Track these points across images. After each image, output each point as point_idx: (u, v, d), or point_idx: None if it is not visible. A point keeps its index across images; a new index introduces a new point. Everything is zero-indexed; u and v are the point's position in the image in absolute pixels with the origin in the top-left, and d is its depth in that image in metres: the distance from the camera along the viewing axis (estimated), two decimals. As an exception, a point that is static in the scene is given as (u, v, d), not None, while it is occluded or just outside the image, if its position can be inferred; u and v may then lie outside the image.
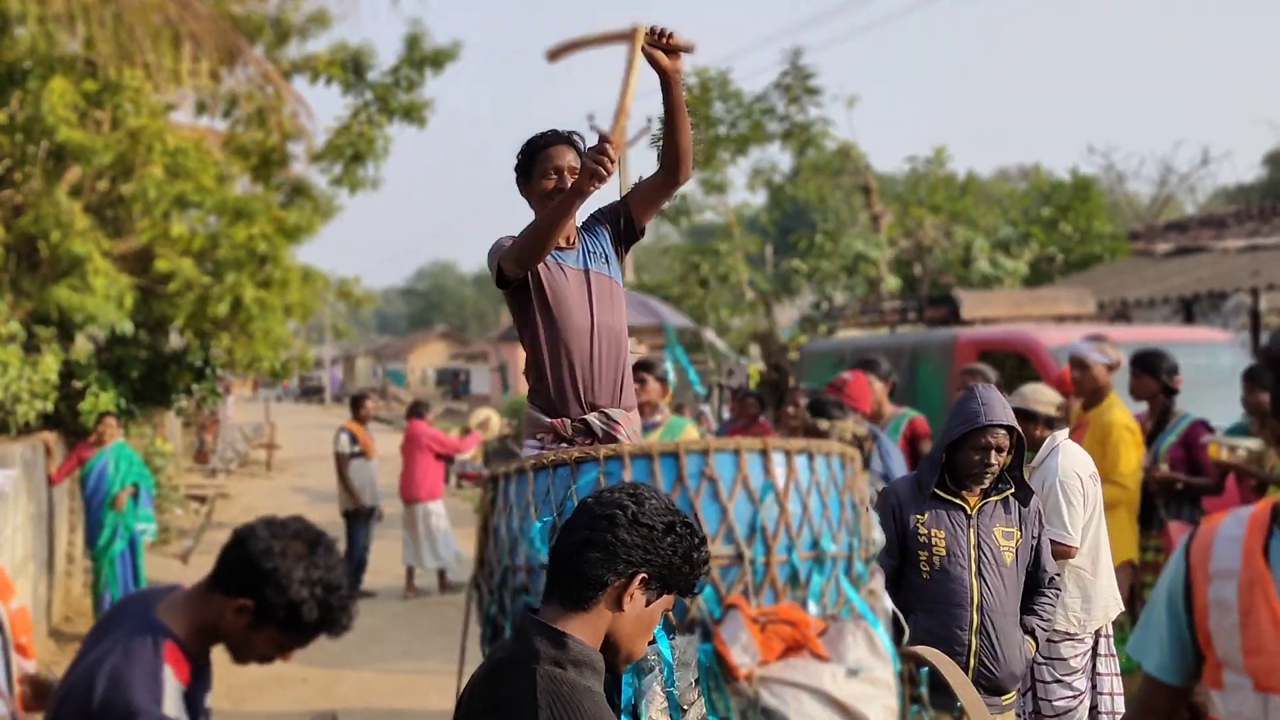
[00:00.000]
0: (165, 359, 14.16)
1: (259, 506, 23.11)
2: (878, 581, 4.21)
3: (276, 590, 2.84)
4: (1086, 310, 12.21)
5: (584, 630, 2.64)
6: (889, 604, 4.23)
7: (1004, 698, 5.16)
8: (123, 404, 13.16)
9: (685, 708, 3.64)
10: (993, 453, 5.01)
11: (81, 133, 12.18)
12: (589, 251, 4.71)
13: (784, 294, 21.33)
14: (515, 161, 4.79)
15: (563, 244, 4.72)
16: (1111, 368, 8.18)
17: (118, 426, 12.38)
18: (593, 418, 4.56)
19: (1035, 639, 5.27)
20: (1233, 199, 36.58)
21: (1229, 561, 2.64)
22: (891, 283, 19.21)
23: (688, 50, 4.31)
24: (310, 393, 74.83)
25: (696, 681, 3.66)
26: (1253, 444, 7.65)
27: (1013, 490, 5.18)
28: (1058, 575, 5.39)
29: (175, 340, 14.80)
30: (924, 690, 4.67)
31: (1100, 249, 20.58)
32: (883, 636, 3.88)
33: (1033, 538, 5.22)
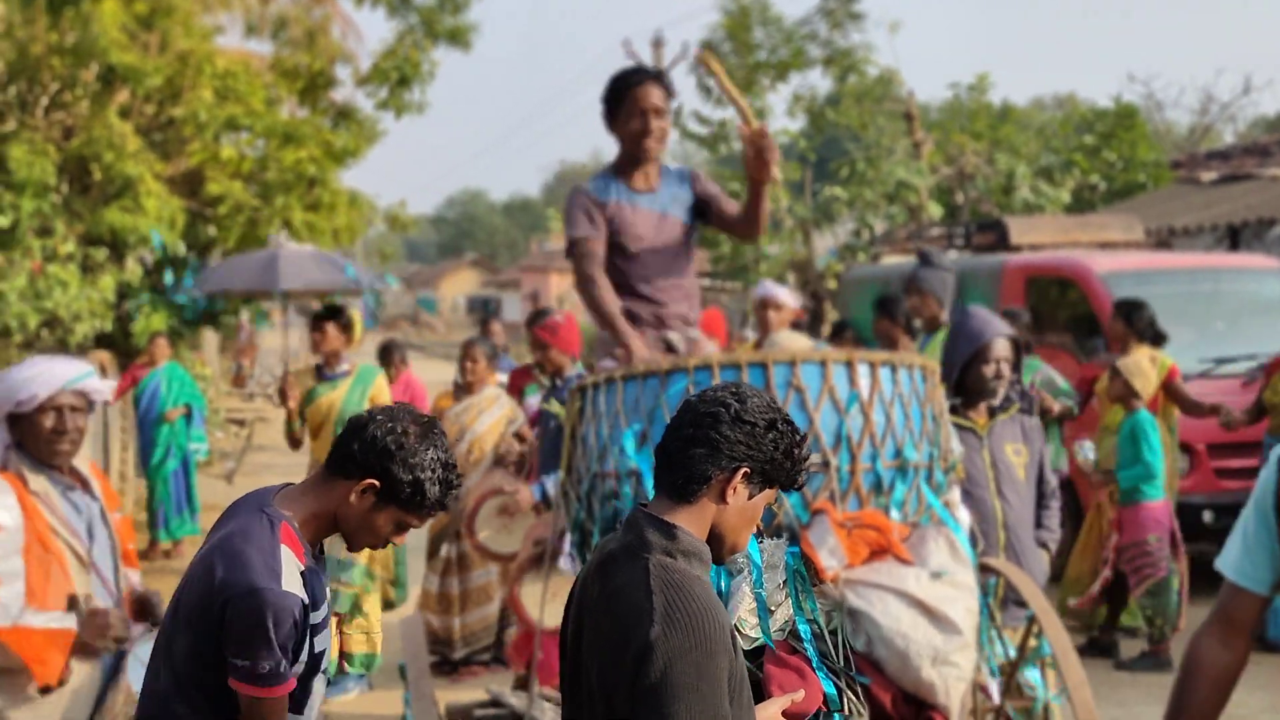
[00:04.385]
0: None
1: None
2: (955, 493, 4.31)
3: (403, 468, 2.96)
4: (1134, 237, 12.16)
5: (691, 522, 2.74)
6: (965, 516, 4.33)
7: (1029, 611, 5.30)
8: (174, 325, 13.34)
9: (773, 608, 3.75)
10: (1003, 364, 5.14)
11: (132, 55, 12.26)
12: (672, 197, 4.90)
13: (824, 222, 21.24)
14: (603, 96, 4.90)
15: (641, 186, 4.88)
16: (800, 312, 8.58)
17: (169, 347, 12.56)
18: (674, 336, 4.72)
19: (1048, 549, 5.41)
20: (1272, 128, 36.12)
21: None
22: (933, 210, 19.13)
23: (776, 180, 4.64)
24: (341, 320, 74.98)
25: (784, 583, 3.77)
26: None
27: (1017, 407, 5.29)
28: (1058, 488, 5.53)
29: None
30: (991, 601, 4.79)
31: (1144, 177, 20.42)
32: (963, 542, 3.98)
33: (1038, 452, 5.35)
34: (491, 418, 7.88)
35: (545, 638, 5.38)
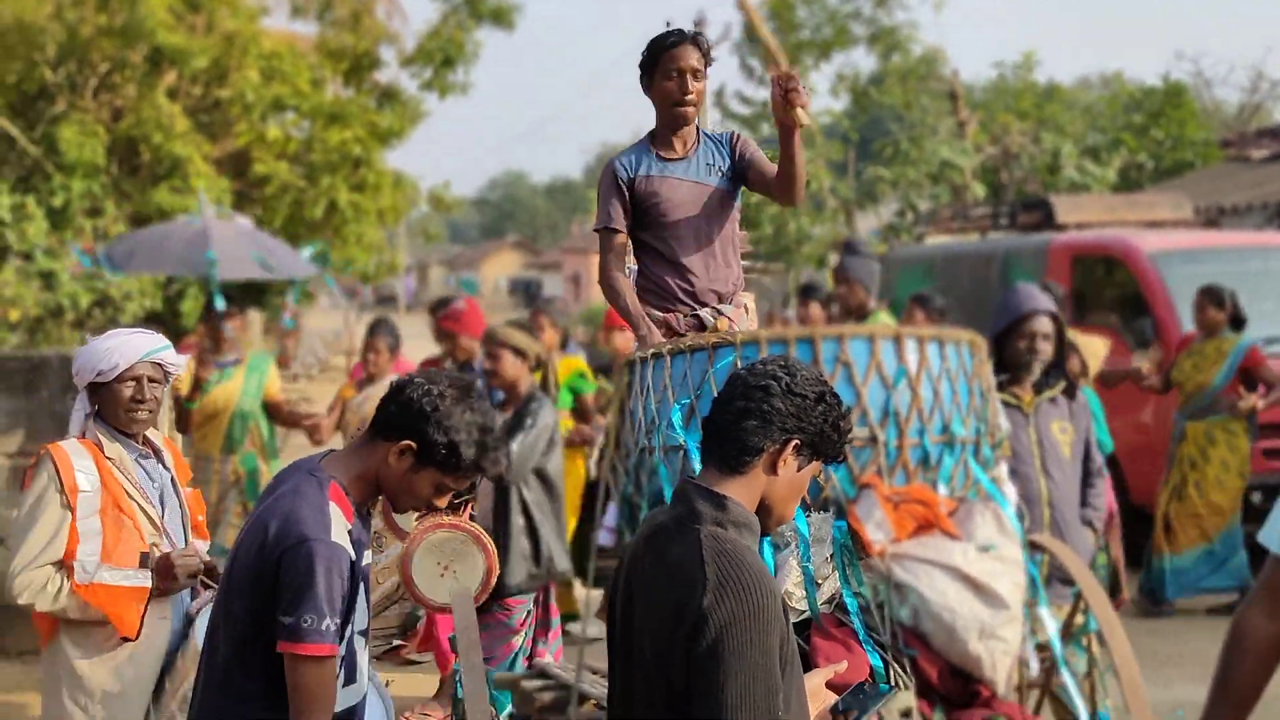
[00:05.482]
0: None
1: (343, 410, 23.45)
2: (1002, 469, 4.31)
3: (438, 430, 3.00)
4: (1183, 215, 12.06)
5: (741, 494, 2.76)
6: (1013, 492, 4.32)
7: (1075, 588, 5.28)
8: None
9: (820, 581, 3.78)
10: (1039, 339, 5.11)
11: (179, 36, 12.39)
12: (708, 164, 4.85)
13: (867, 202, 21.17)
14: (640, 61, 4.88)
15: (679, 152, 4.86)
16: None
17: (216, 326, 12.68)
18: (706, 313, 4.71)
19: (1094, 528, 5.38)
20: (1324, 107, 35.59)
21: None
22: (977, 190, 19.03)
23: (803, 124, 4.45)
24: (384, 301, 75.48)
25: (831, 557, 3.79)
26: None
27: (1063, 385, 5.26)
28: (1103, 466, 5.50)
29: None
30: (1036, 576, 4.79)
31: (1192, 156, 20.21)
32: (1011, 517, 3.99)
33: (1084, 430, 5.32)
34: None
35: (432, 614, 5.35)
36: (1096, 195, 15.86)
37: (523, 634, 5.93)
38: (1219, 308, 8.65)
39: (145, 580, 3.81)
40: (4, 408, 7.81)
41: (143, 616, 3.79)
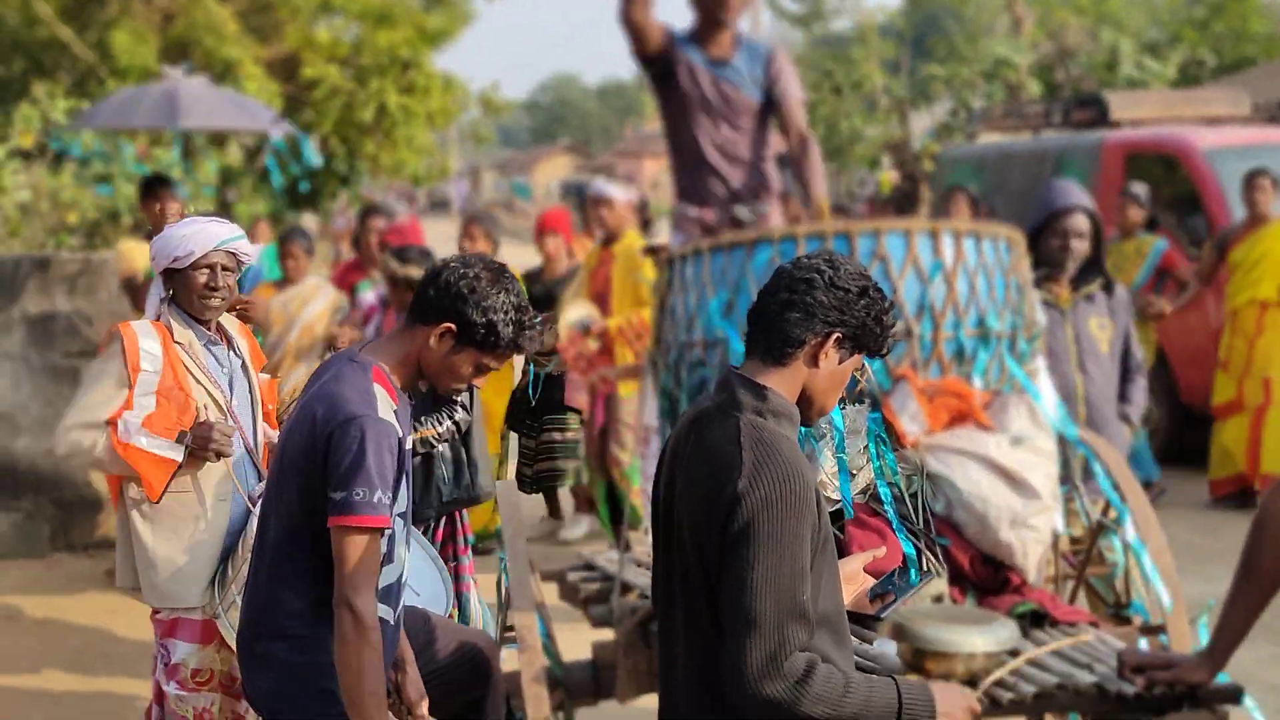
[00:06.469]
0: (313, 166, 14.53)
1: (397, 313, 23.57)
2: (1039, 362, 4.35)
3: (477, 310, 3.10)
4: (1241, 112, 11.82)
5: (782, 384, 2.83)
6: (1050, 391, 4.37)
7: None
8: (275, 208, 13.63)
9: (855, 472, 3.86)
10: (1073, 238, 5.09)
11: (227, -62, 12.41)
12: (742, 72, 4.88)
13: (920, 101, 20.89)
14: None
15: (715, 54, 4.90)
16: (633, 205, 8.44)
17: (270, 230, 12.84)
18: (743, 210, 4.76)
19: (1131, 423, 5.41)
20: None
21: None
22: (1033, 88, 18.71)
23: None
24: (438, 205, 75.44)
25: (866, 448, 3.87)
26: None
27: (1100, 282, 5.26)
28: (1143, 362, 5.52)
29: (309, 149, 15.10)
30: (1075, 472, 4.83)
31: (1255, 51, 19.73)
32: (1044, 409, 4.04)
33: (1124, 327, 5.33)
34: (318, 306, 7.79)
35: None
36: (1152, 91, 15.54)
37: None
38: (1140, 208, 8.93)
39: (177, 454, 3.87)
40: (64, 308, 8.01)
41: (167, 483, 3.87)
